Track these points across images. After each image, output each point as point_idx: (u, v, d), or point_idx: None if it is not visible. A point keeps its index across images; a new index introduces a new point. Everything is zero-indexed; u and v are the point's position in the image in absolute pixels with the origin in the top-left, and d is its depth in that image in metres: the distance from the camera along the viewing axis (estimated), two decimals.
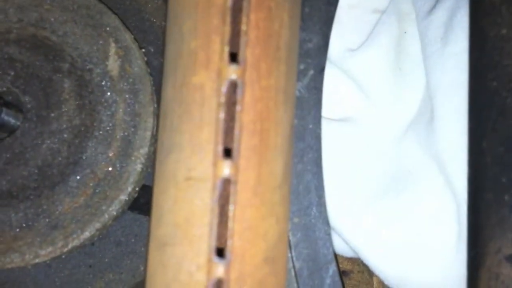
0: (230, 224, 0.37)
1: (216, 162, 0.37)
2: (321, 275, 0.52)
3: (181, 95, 0.40)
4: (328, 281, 0.52)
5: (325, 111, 0.60)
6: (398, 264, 0.57)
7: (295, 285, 0.51)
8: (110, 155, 0.55)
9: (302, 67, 0.55)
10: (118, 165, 0.55)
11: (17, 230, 0.53)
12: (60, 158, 0.55)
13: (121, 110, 0.55)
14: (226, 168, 0.37)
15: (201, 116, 0.39)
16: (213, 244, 0.37)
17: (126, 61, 0.56)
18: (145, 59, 0.57)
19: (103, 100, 0.56)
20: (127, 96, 0.56)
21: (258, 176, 0.39)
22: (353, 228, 0.59)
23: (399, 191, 0.59)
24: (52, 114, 0.55)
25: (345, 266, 0.64)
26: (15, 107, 0.55)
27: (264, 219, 0.39)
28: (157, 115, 0.56)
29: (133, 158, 0.55)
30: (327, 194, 0.55)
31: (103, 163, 0.55)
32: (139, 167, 0.55)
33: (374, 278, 0.63)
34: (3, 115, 0.53)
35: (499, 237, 0.45)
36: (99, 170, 0.55)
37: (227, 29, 0.39)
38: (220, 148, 0.38)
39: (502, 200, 0.45)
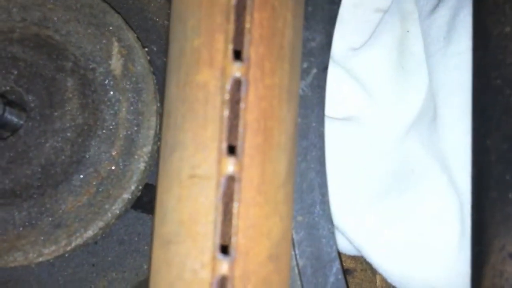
0: (234, 221, 0.37)
1: (220, 159, 0.37)
2: (325, 273, 0.52)
3: (184, 93, 0.40)
4: (331, 279, 0.52)
5: (328, 110, 0.60)
6: (402, 262, 0.57)
7: (299, 283, 0.51)
8: (113, 154, 0.55)
9: (305, 65, 0.55)
10: (121, 164, 0.55)
11: (21, 228, 0.53)
12: (63, 157, 0.55)
13: (124, 109, 0.56)
14: (230, 166, 0.37)
15: (205, 114, 0.39)
16: (217, 241, 0.37)
17: (129, 60, 0.56)
18: (148, 58, 0.57)
19: (106, 99, 0.56)
20: (130, 95, 0.56)
21: (262, 174, 0.39)
22: (356, 227, 0.58)
23: (402, 190, 0.59)
24: (56, 113, 0.55)
25: (348, 264, 0.64)
26: (19, 106, 0.55)
27: (268, 217, 0.39)
28: (160, 114, 0.56)
29: (136, 156, 0.55)
30: (330, 193, 0.55)
31: (106, 162, 0.55)
32: (142, 165, 0.55)
33: (377, 277, 0.63)
34: (6, 114, 0.53)
35: (503, 235, 0.45)
36: (102, 169, 0.55)
37: (231, 27, 0.39)
38: (224, 146, 0.38)
39: (506, 198, 0.45)
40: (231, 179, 0.38)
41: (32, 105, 0.55)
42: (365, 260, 0.61)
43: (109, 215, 0.54)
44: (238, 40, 0.39)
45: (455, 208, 0.57)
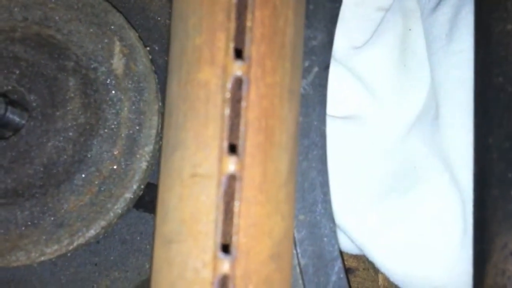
0: (235, 220, 0.37)
1: (221, 158, 0.37)
2: (327, 272, 0.52)
3: (186, 92, 0.40)
4: (333, 278, 0.52)
5: (330, 109, 0.59)
6: (404, 261, 0.57)
7: (301, 282, 0.51)
8: (115, 153, 0.55)
9: (306, 64, 0.55)
10: (123, 163, 0.55)
11: (23, 228, 0.54)
12: (65, 156, 0.55)
13: (126, 108, 0.56)
14: (231, 164, 0.37)
15: (206, 112, 0.39)
16: (219, 240, 0.37)
17: (130, 60, 0.56)
18: (150, 57, 0.57)
19: (108, 98, 0.56)
20: (132, 94, 0.56)
21: (264, 173, 0.39)
22: (358, 226, 0.58)
23: (404, 188, 0.59)
24: (57, 113, 0.55)
25: (350, 263, 0.64)
26: (20, 105, 0.55)
27: (269, 216, 0.39)
28: (162, 113, 0.56)
29: (138, 156, 0.55)
30: (332, 192, 0.55)
31: (108, 161, 0.55)
32: (144, 165, 0.55)
33: (380, 275, 0.63)
34: (8, 113, 0.53)
35: (505, 233, 0.45)
36: (104, 168, 0.55)
37: (232, 25, 0.39)
38: (226, 144, 0.38)
39: (508, 196, 0.45)
40: (232, 178, 0.38)
41: (34, 104, 0.55)
42: (367, 259, 0.61)
43: (111, 214, 0.54)
44: (239, 38, 0.39)
45: (457, 206, 0.57)
